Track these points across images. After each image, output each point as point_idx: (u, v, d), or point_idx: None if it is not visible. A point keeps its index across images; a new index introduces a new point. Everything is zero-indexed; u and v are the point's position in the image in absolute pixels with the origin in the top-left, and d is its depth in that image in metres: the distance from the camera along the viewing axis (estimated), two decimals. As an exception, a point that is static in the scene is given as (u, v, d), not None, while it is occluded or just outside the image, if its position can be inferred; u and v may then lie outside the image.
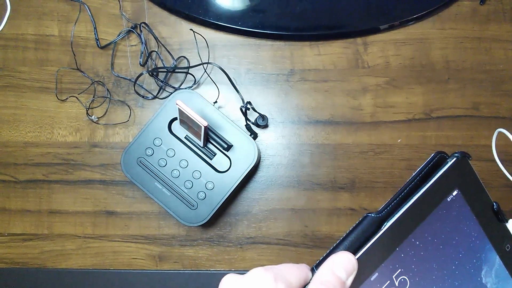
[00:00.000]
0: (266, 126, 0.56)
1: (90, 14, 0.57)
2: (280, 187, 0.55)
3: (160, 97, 0.56)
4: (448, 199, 0.27)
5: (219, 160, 0.51)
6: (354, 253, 0.24)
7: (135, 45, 0.57)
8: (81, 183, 0.55)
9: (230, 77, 0.53)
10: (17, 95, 0.56)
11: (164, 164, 0.51)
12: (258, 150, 0.51)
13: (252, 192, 0.55)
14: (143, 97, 0.56)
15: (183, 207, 0.50)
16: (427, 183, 0.26)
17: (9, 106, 0.56)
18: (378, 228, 0.25)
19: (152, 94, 0.56)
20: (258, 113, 0.55)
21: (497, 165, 0.54)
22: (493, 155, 0.54)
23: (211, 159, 0.51)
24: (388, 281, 0.25)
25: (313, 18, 0.56)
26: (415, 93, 0.56)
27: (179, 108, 0.45)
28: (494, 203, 0.28)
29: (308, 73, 0.57)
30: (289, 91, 0.56)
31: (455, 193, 0.27)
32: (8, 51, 0.57)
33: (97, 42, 0.57)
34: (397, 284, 0.26)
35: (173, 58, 0.56)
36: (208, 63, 0.56)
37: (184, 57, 0.57)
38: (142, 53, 0.56)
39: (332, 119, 0.56)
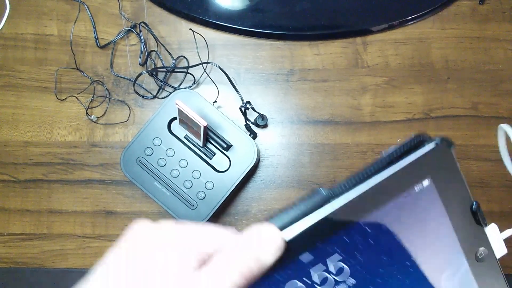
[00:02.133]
0: (265, 126, 0.56)
1: (89, 13, 0.57)
2: (279, 187, 0.55)
3: (160, 96, 0.56)
4: (416, 189, 0.23)
5: (219, 160, 0.51)
6: (289, 226, 0.21)
7: (135, 44, 0.57)
8: (81, 183, 0.55)
9: (230, 76, 0.53)
10: (16, 94, 0.56)
11: (164, 164, 0.51)
12: (258, 150, 0.51)
13: (251, 192, 0.55)
14: (142, 96, 0.56)
15: (183, 207, 0.50)
16: (393, 165, 0.23)
17: (9, 105, 0.56)
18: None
19: (152, 94, 0.56)
20: (257, 113, 0.55)
21: (497, 164, 0.54)
22: (493, 155, 0.54)
23: (210, 158, 0.51)
24: (323, 266, 0.22)
25: (313, 17, 0.56)
26: (414, 93, 0.56)
27: (178, 108, 0.45)
28: (474, 202, 0.25)
29: (307, 73, 0.57)
30: (289, 91, 0.56)
31: (426, 183, 0.24)
32: (8, 50, 0.57)
33: (96, 42, 0.57)
34: (333, 271, 0.23)
35: (172, 57, 0.56)
36: (207, 62, 0.56)
37: (184, 56, 0.57)
38: (141, 52, 0.56)
39: (331, 119, 0.56)
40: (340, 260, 0.23)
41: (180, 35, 0.57)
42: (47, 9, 0.58)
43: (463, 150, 0.55)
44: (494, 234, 0.26)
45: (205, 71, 0.55)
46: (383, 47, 0.57)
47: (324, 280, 0.22)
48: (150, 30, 0.56)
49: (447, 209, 0.24)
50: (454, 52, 0.57)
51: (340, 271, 0.23)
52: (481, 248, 0.26)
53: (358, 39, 0.57)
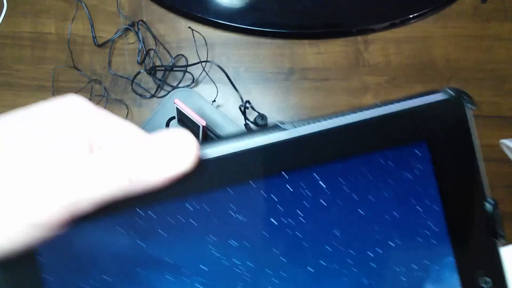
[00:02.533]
0: (265, 126, 0.55)
1: (87, 11, 0.56)
2: (279, 187, 0.55)
3: (158, 96, 0.56)
4: (400, 152, 0.17)
5: (218, 160, 0.50)
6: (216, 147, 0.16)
7: (133, 43, 0.56)
8: (78, 183, 0.55)
9: (229, 75, 0.53)
10: (13, 93, 0.56)
11: (162, 164, 0.50)
12: (257, 149, 0.51)
13: (251, 192, 0.55)
14: (140, 95, 0.56)
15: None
16: (375, 112, 0.17)
17: (6, 104, 0.56)
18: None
19: (150, 93, 0.56)
20: (257, 112, 0.54)
21: (499, 164, 0.53)
22: (495, 155, 0.54)
23: (209, 158, 0.50)
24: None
25: (313, 16, 0.56)
26: (416, 92, 0.56)
27: (177, 107, 0.44)
28: (490, 199, 0.18)
29: (308, 72, 0.56)
30: (289, 90, 0.56)
31: (417, 148, 0.17)
32: (5, 49, 0.57)
33: (94, 40, 0.56)
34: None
35: (171, 56, 0.56)
36: (206, 61, 0.55)
37: (183, 55, 0.56)
38: (139, 51, 0.56)
39: (332, 118, 0.55)
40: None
41: (179, 33, 0.57)
42: (44, 7, 0.57)
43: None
44: None
45: (204, 70, 0.55)
46: (385, 45, 0.56)
47: None
48: (148, 29, 0.56)
49: (442, 196, 0.17)
50: (456, 51, 0.56)
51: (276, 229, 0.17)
52: (487, 272, 0.18)
53: (359, 38, 0.56)
